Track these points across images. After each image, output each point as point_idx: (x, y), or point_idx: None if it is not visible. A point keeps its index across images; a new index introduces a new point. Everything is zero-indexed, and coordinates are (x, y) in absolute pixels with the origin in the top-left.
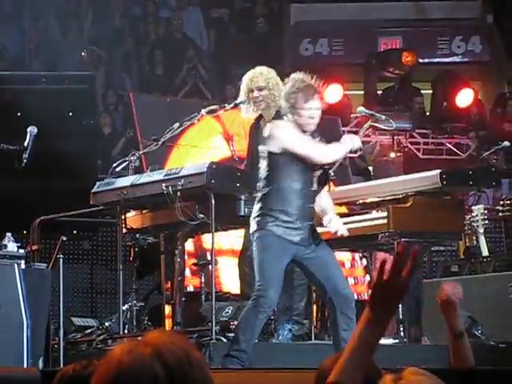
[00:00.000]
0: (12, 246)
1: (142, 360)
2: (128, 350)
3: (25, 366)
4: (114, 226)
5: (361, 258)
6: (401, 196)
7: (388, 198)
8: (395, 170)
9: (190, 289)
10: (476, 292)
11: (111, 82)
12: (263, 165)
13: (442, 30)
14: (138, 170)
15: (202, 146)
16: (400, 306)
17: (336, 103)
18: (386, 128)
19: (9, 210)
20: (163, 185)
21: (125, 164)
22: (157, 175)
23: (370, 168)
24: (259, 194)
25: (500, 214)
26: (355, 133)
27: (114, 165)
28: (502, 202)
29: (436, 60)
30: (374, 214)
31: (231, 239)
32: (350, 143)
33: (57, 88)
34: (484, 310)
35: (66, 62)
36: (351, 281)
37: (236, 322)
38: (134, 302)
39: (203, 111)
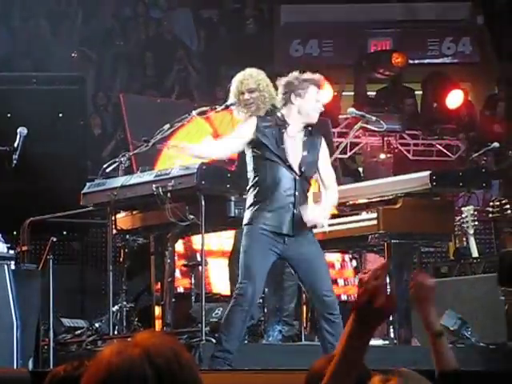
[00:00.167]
0: (2, 247)
1: (132, 361)
2: (117, 351)
3: (15, 366)
4: (104, 227)
5: (350, 260)
6: (391, 197)
7: (378, 199)
8: (385, 171)
9: (180, 290)
10: (466, 293)
11: (101, 82)
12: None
13: (431, 31)
14: (129, 171)
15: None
16: None
17: (326, 104)
18: (376, 129)
19: None
20: (153, 186)
21: (115, 165)
22: (147, 176)
23: (360, 169)
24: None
25: (490, 215)
26: (345, 134)
27: (105, 166)
28: (491, 204)
29: (426, 61)
30: (364, 215)
31: (221, 240)
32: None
33: (47, 89)
34: (474, 312)
35: (55, 63)
36: (341, 282)
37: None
38: (124, 302)
39: (194, 112)
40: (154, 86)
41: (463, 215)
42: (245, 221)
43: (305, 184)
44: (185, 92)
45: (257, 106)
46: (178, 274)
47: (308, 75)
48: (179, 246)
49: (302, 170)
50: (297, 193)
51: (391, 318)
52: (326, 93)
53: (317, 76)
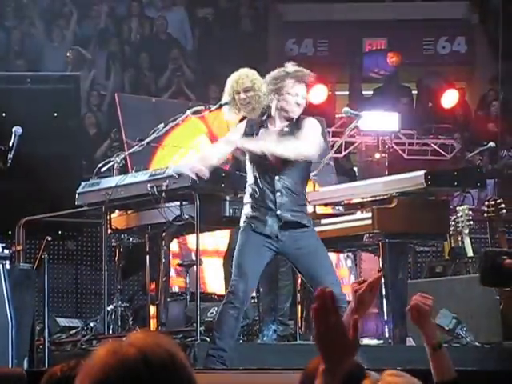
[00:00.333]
0: None
1: (127, 361)
2: (112, 350)
3: (10, 366)
4: (98, 227)
5: (345, 259)
6: (385, 197)
7: (373, 198)
8: (380, 170)
9: (175, 289)
10: (461, 293)
11: (96, 82)
12: None
13: (427, 31)
14: (123, 171)
15: (186, 147)
16: (385, 306)
17: (321, 104)
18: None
19: None
20: (148, 185)
21: (110, 165)
22: (142, 176)
23: (355, 168)
24: None
25: (485, 214)
26: (340, 133)
27: (99, 165)
28: (486, 203)
29: (421, 61)
30: (359, 214)
31: (216, 240)
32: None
33: (42, 88)
34: (469, 311)
35: (50, 63)
36: None
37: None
38: (119, 302)
39: (188, 112)
40: (149, 86)
41: (458, 215)
42: (240, 220)
43: (290, 181)
44: (180, 91)
45: (253, 106)
46: (172, 273)
47: (288, 69)
48: (174, 246)
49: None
50: (278, 193)
51: (386, 318)
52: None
53: (294, 69)
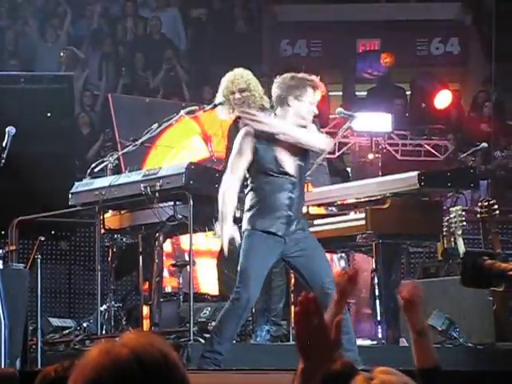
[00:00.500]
0: None
1: (119, 361)
2: (105, 350)
3: (2, 366)
4: (92, 227)
5: (339, 260)
6: (379, 197)
7: (366, 199)
8: (373, 171)
9: (168, 289)
10: (454, 293)
11: (89, 82)
12: None
13: (420, 32)
14: (117, 171)
15: (180, 147)
16: (378, 307)
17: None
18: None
19: None
20: (141, 185)
21: (103, 165)
22: (135, 176)
23: (349, 169)
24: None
25: (478, 215)
26: (334, 134)
27: (93, 165)
28: (479, 204)
29: (414, 61)
30: (352, 215)
31: (209, 240)
32: None
33: (35, 88)
34: (462, 312)
35: (43, 62)
36: None
37: (214, 323)
38: (112, 302)
39: (182, 112)
40: (143, 86)
41: (451, 215)
42: (244, 225)
43: (301, 181)
44: (173, 92)
45: (247, 106)
46: (166, 273)
47: (305, 76)
48: (167, 246)
49: (301, 163)
50: (292, 195)
51: (379, 318)
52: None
53: (313, 77)
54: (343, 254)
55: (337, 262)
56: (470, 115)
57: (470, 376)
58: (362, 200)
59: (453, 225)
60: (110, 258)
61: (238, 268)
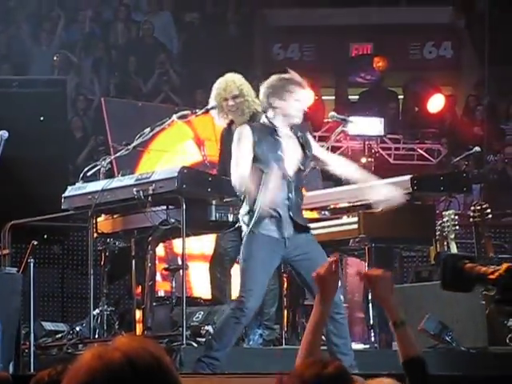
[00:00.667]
0: None
1: (112, 365)
2: (98, 354)
3: None
4: (84, 231)
5: None
6: (372, 201)
7: (359, 203)
8: None
9: (161, 293)
10: (446, 298)
11: (82, 86)
12: None
13: (413, 36)
14: (109, 175)
15: (173, 151)
16: (371, 310)
17: (308, 108)
18: (357, 133)
19: None
20: (134, 189)
21: (96, 169)
22: (128, 180)
23: None
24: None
25: (471, 219)
26: (326, 137)
27: (85, 169)
28: (472, 208)
29: (407, 65)
30: (345, 219)
31: (202, 244)
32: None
33: (28, 92)
34: (454, 316)
35: (36, 66)
36: None
37: (207, 327)
38: (105, 306)
39: (174, 116)
40: (135, 90)
41: (444, 219)
42: (244, 229)
43: (298, 184)
44: (166, 96)
45: (241, 111)
46: (158, 277)
47: (288, 75)
48: (160, 250)
49: (301, 167)
50: (291, 195)
51: (372, 322)
52: (308, 92)
53: (297, 76)
54: None
55: None
56: (463, 119)
57: (463, 380)
58: (355, 204)
59: (446, 229)
60: (102, 262)
61: (240, 273)
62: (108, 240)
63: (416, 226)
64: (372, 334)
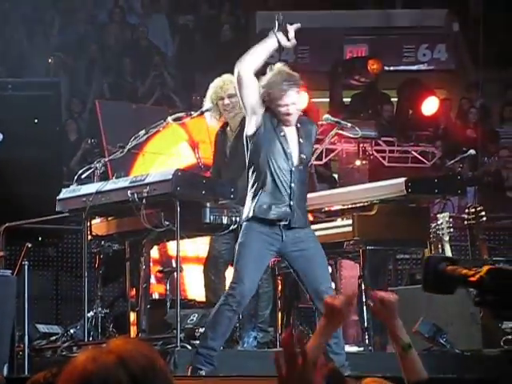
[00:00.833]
0: None
1: (106, 368)
2: (92, 357)
3: None
4: (79, 233)
5: None
6: (366, 204)
7: (353, 205)
8: (361, 177)
9: (155, 296)
10: (441, 300)
11: (76, 88)
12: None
13: (407, 38)
14: (104, 177)
15: (167, 154)
16: (365, 313)
17: (302, 111)
18: (351, 136)
19: None
20: (128, 192)
21: (90, 171)
22: (122, 182)
23: (336, 175)
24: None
25: (465, 222)
26: (321, 140)
27: (80, 172)
28: (467, 210)
29: (401, 68)
30: (339, 221)
31: (196, 246)
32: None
33: (22, 94)
34: (449, 318)
35: (31, 69)
36: None
37: (201, 330)
38: (99, 309)
39: (169, 119)
40: (130, 92)
41: (439, 222)
42: (243, 216)
43: (302, 174)
44: (161, 98)
45: (236, 111)
46: (153, 280)
47: (278, 76)
48: (154, 252)
49: (303, 156)
50: (293, 184)
51: (366, 325)
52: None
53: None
54: (330, 261)
55: None
56: (457, 122)
57: (457, 383)
58: (349, 206)
59: (440, 231)
60: (97, 265)
61: (234, 264)
62: (102, 242)
63: (410, 228)
64: (366, 337)
